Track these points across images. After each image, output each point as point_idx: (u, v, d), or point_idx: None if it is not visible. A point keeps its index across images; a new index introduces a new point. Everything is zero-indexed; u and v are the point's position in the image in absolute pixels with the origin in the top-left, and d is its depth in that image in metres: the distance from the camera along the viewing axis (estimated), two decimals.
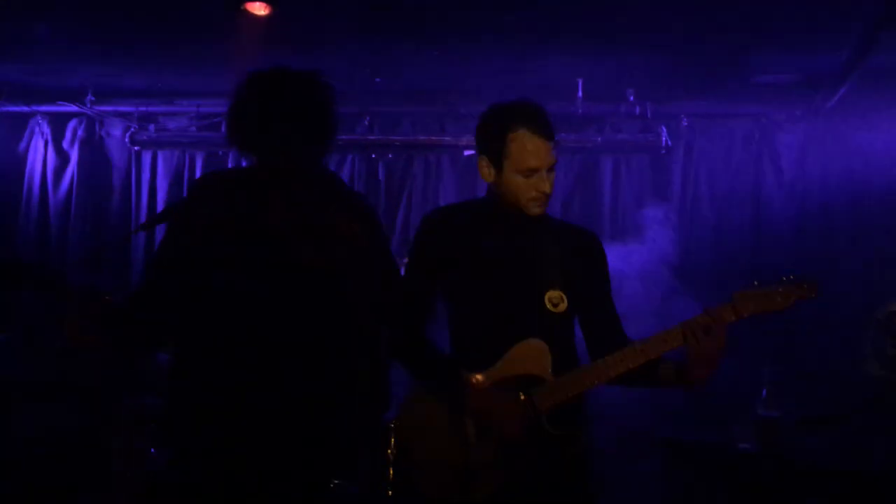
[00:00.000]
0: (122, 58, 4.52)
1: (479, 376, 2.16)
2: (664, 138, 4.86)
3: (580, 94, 4.64)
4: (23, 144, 5.50)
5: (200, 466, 1.98)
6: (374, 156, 5.27)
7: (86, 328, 1.97)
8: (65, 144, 5.48)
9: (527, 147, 2.17)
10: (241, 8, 3.49)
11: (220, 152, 5.27)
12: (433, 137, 5.15)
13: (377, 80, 4.72)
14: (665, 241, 4.42)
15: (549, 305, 2.20)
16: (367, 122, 5.20)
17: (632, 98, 4.76)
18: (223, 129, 5.25)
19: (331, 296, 2.05)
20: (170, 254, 2.05)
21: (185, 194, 4.53)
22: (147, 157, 5.44)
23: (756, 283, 2.14)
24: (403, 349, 2.27)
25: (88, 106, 5.16)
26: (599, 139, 4.96)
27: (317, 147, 2.21)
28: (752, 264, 4.70)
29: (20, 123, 5.48)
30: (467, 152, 5.11)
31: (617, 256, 4.02)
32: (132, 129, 5.31)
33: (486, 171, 2.26)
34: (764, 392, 3.63)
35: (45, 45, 4.30)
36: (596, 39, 3.98)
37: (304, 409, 1.99)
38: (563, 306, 2.21)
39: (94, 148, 5.47)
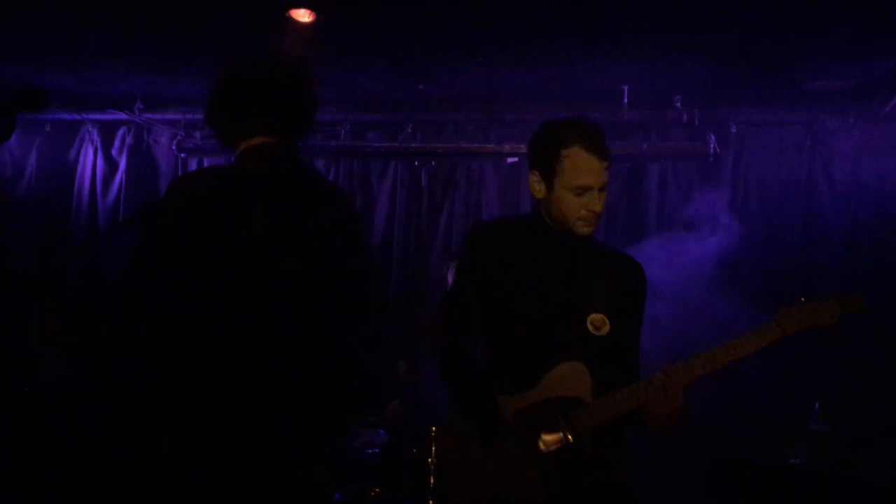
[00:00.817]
0: (170, 66, 4.59)
1: (515, 400, 2.13)
2: (712, 146, 4.77)
3: (626, 100, 4.59)
4: (73, 152, 5.61)
5: (185, 464, 1.98)
6: (416, 163, 5.26)
7: (60, 330, 1.99)
8: (113, 152, 5.58)
9: (580, 164, 2.13)
10: (286, 14, 3.51)
11: None
12: (476, 145, 5.13)
13: (420, 87, 4.72)
14: (713, 251, 4.33)
15: (590, 328, 2.16)
16: (409, 130, 5.20)
17: (679, 105, 4.69)
18: None
19: (309, 297, 2.05)
20: (148, 257, 2.02)
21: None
22: (193, 164, 5.50)
23: (803, 299, 2.08)
24: (447, 374, 2.25)
25: (137, 114, 5.24)
26: (645, 146, 4.89)
27: (295, 132, 2.19)
28: (802, 275, 4.58)
29: (71, 131, 5.59)
30: (510, 160, 5.08)
31: (663, 264, 3.96)
32: (179, 137, 5.39)
33: (537, 188, 2.22)
34: (816, 406, 3.53)
35: (95, 55, 4.38)
36: (643, 46, 3.93)
37: (281, 409, 2.00)
38: (605, 329, 2.17)
39: (141, 155, 5.55)
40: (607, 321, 2.17)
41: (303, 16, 3.52)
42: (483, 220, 2.64)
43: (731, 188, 4.81)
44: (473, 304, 2.26)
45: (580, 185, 2.12)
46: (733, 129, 4.86)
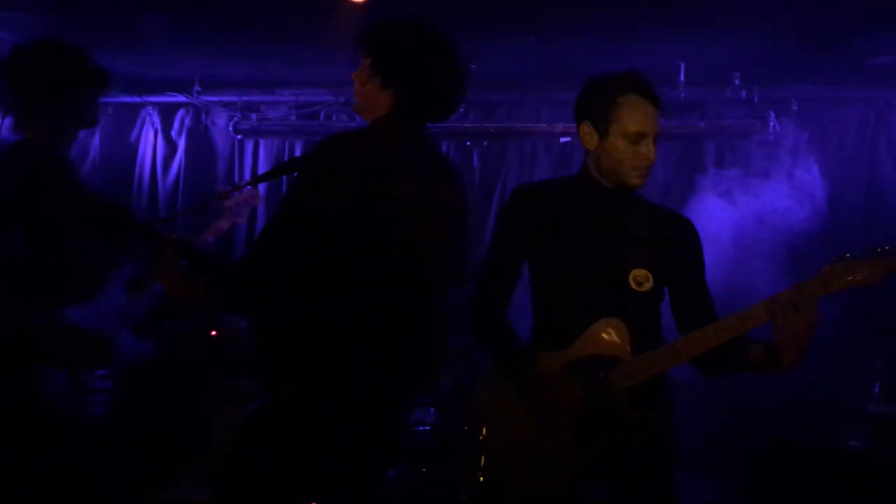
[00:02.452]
0: (227, 49, 4.66)
1: (553, 357, 2.13)
2: (772, 123, 4.67)
3: (682, 78, 4.51)
4: (134, 134, 5.74)
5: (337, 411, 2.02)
6: (468, 143, 5.26)
7: (184, 277, 2.04)
8: (173, 133, 5.69)
9: (636, 110, 2.13)
10: None
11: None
12: (529, 125, 5.10)
13: (472, 66, 4.69)
14: (772, 231, 4.24)
15: (633, 284, 2.15)
16: (462, 110, 5.19)
17: (737, 82, 4.59)
18: (321, 117, 5.37)
19: (432, 259, 2.09)
20: (294, 211, 2.03)
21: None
22: (249, 146, 5.59)
23: (847, 255, 2.02)
24: (481, 328, 2.27)
25: (195, 96, 5.35)
26: (702, 125, 4.80)
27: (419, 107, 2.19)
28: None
29: (132, 114, 5.72)
30: (564, 139, 5.04)
31: (722, 244, 3.89)
32: (235, 119, 5.47)
33: (589, 138, 2.20)
34: (876, 388, 3.45)
35: (155, 38, 4.47)
36: (700, 21, 3.85)
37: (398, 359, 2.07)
38: (647, 285, 2.15)
39: (199, 137, 5.65)
40: (651, 277, 2.15)
41: None
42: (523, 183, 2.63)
43: (790, 166, 4.70)
44: (509, 264, 2.27)
45: (637, 132, 2.12)
46: (794, 107, 4.74)
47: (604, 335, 2.12)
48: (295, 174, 2.13)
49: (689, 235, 2.28)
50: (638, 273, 2.15)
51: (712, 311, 2.21)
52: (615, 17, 3.83)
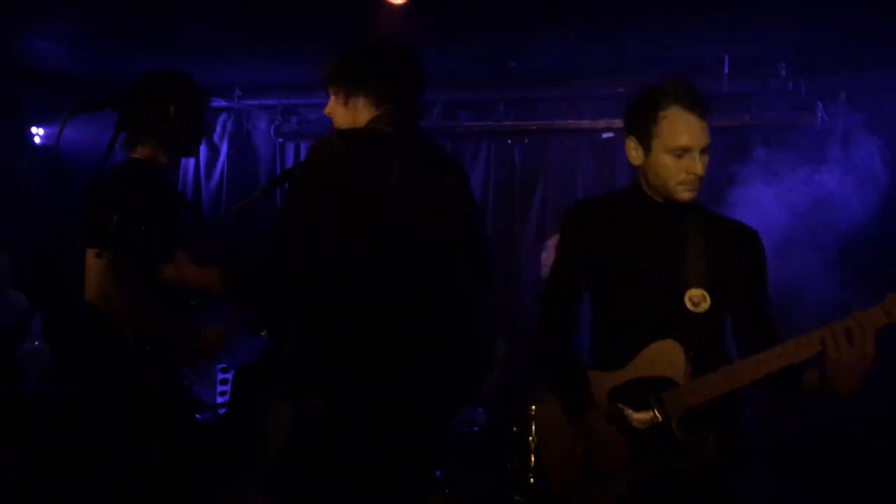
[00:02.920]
0: (267, 53, 4.70)
1: (607, 377, 2.09)
2: (820, 115, 4.56)
3: (726, 70, 4.42)
4: None
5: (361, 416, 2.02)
6: (509, 141, 5.23)
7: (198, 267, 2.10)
8: (215, 138, 5.76)
9: (679, 125, 2.04)
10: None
11: None
12: (570, 121, 5.05)
13: (511, 64, 4.67)
14: (822, 226, 4.14)
15: (689, 305, 2.07)
16: (502, 108, 5.17)
17: (784, 73, 4.49)
18: None
19: (444, 257, 2.08)
20: (299, 211, 2.05)
21: None
22: (290, 149, 5.63)
23: None
24: (548, 362, 2.23)
25: (236, 100, 5.39)
26: (748, 117, 4.71)
27: (412, 106, 2.24)
28: None
29: None
30: (605, 135, 4.98)
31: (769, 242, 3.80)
32: (277, 122, 5.51)
33: (634, 154, 2.14)
34: None
35: (197, 44, 4.52)
36: (745, 11, 3.78)
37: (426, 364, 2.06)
38: (704, 306, 2.06)
39: (242, 140, 5.71)
40: (707, 297, 2.08)
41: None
42: (581, 198, 2.57)
43: (840, 158, 4.58)
44: (575, 283, 2.23)
45: (680, 146, 2.04)
46: (842, 97, 4.63)
47: (658, 357, 2.06)
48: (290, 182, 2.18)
49: (753, 248, 2.18)
50: (694, 293, 2.08)
51: (771, 333, 2.11)
52: (657, 10, 3.77)
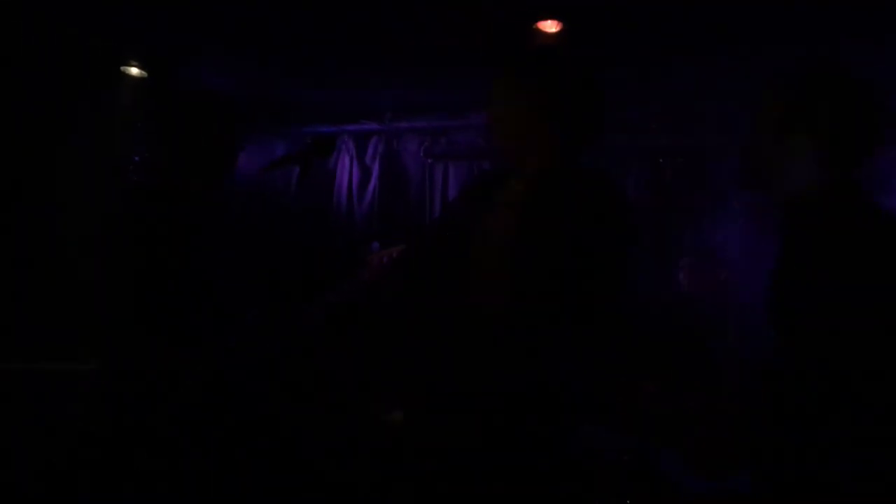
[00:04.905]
0: (416, 78, 4.78)
1: None
2: None
3: None
4: (332, 161, 6.03)
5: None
6: (661, 161, 5.07)
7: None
8: (367, 159, 5.93)
9: None
10: (533, 27, 3.53)
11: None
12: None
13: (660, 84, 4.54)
14: None
15: None
16: (653, 126, 5.02)
17: None
18: None
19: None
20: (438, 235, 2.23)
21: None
22: (439, 169, 5.71)
23: None
24: None
25: (387, 123, 5.53)
26: None
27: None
28: None
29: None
30: None
31: None
32: (426, 143, 5.60)
33: None
34: None
35: (347, 70, 4.67)
36: None
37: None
38: None
39: (392, 161, 5.85)
40: None
41: (549, 27, 3.52)
42: None
43: None
44: None
45: None
46: None
47: None
48: None
49: None
50: None
51: None
52: (836, 19, 3.53)
